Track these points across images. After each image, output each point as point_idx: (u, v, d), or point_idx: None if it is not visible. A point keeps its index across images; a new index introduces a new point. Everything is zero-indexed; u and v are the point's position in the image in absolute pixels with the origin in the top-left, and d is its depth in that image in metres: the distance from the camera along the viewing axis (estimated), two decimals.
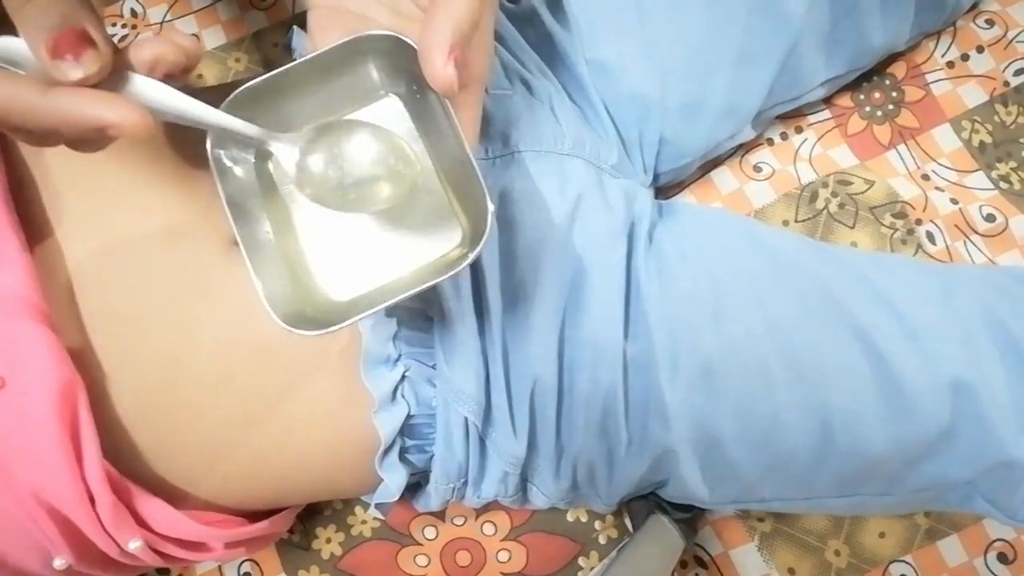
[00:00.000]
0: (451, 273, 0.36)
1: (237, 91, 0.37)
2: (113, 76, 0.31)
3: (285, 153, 0.36)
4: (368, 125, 0.37)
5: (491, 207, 0.35)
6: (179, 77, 0.34)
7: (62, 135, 0.32)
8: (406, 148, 0.37)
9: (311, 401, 0.46)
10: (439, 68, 0.33)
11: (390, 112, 0.40)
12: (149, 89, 0.32)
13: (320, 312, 0.38)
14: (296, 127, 0.39)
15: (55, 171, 0.44)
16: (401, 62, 0.37)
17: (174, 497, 0.45)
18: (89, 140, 0.33)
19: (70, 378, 0.40)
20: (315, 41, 0.39)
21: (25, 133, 0.32)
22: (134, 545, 0.43)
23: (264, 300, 0.35)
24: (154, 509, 0.43)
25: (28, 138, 0.32)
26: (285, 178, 0.39)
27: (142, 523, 0.43)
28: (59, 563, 0.42)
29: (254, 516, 0.51)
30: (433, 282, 0.36)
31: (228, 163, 0.38)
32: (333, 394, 0.46)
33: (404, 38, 0.36)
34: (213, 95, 0.36)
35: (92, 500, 0.41)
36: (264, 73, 0.37)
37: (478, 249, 0.35)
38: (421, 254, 0.39)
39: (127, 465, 0.43)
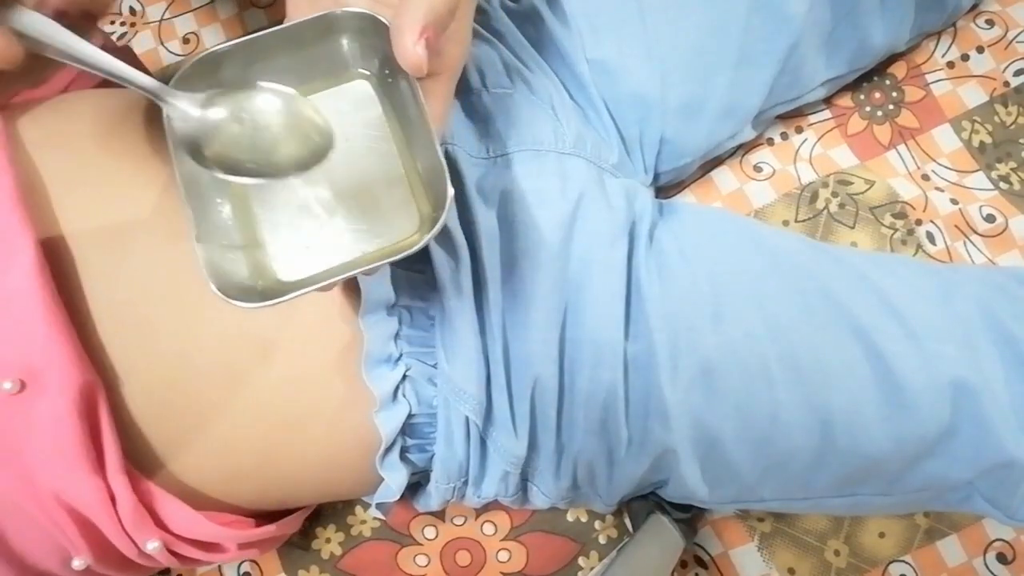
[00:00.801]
0: (398, 257, 0.35)
1: (199, 56, 0.36)
2: None
3: (182, 112, 0.34)
4: (276, 89, 0.36)
5: (450, 192, 0.34)
6: (82, 24, 0.33)
7: None
8: (314, 114, 0.36)
9: (314, 400, 0.46)
10: (409, 47, 0.33)
11: (360, 94, 0.39)
12: (33, 22, 0.31)
13: (269, 288, 0.37)
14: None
15: (62, 169, 0.43)
16: (375, 42, 0.37)
17: (187, 497, 0.45)
18: None
19: (89, 379, 0.40)
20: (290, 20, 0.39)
21: None
22: (152, 546, 0.43)
23: (204, 268, 0.34)
24: (172, 509, 0.44)
25: None
26: (169, 98, 0.37)
27: (160, 524, 0.44)
28: (78, 563, 0.43)
29: (264, 517, 0.51)
30: (376, 264, 0.36)
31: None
32: (335, 393, 0.46)
33: (379, 16, 0.36)
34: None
35: (113, 501, 0.41)
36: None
37: (430, 235, 0.34)
38: (377, 238, 0.38)
39: (142, 465, 0.43)
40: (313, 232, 0.38)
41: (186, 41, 0.73)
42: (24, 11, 0.32)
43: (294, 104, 0.36)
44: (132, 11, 0.74)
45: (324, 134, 0.36)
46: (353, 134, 0.39)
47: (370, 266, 0.36)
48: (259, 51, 0.37)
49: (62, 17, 0.32)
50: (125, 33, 0.73)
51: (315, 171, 0.36)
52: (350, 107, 0.39)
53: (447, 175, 0.34)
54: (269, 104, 0.35)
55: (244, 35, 0.72)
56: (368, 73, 0.39)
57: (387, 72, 0.39)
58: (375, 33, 0.36)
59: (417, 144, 0.38)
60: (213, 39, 0.73)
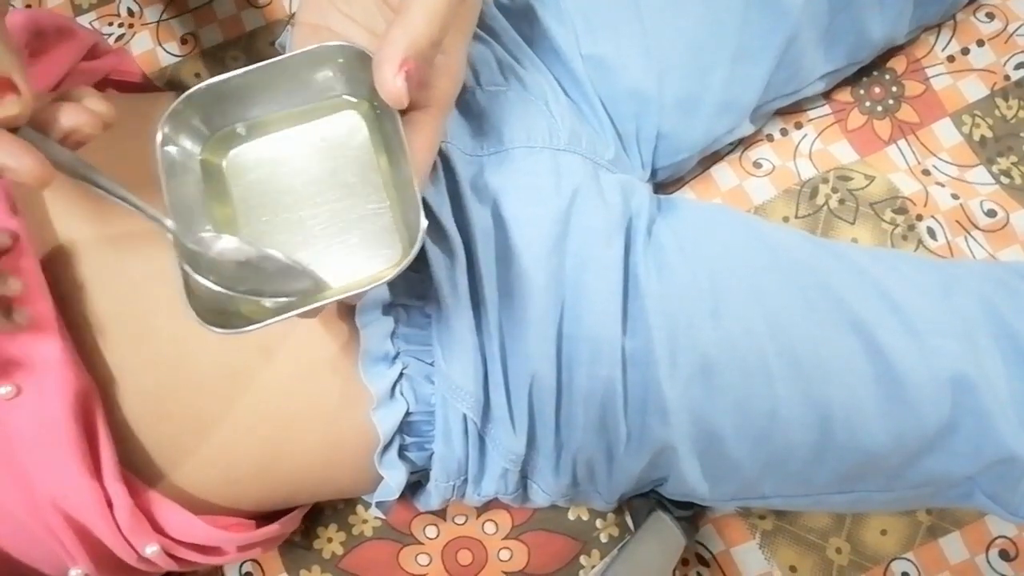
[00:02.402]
0: (372, 286, 0.36)
1: (191, 90, 0.37)
2: (25, 132, 0.32)
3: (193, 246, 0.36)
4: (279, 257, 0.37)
5: (423, 224, 0.35)
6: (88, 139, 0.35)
7: None
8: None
9: (312, 400, 0.46)
10: (388, 79, 0.34)
11: (349, 124, 0.40)
12: (57, 153, 0.33)
13: (250, 314, 0.37)
14: (251, 129, 0.39)
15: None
16: (363, 74, 0.37)
17: (186, 501, 0.45)
18: None
19: (85, 385, 0.40)
20: None
21: None
22: (151, 550, 0.43)
23: (183, 292, 0.35)
24: (170, 514, 0.44)
25: None
26: (236, 178, 0.39)
27: (158, 528, 0.44)
28: (75, 573, 0.43)
29: (263, 517, 0.51)
30: (350, 293, 0.36)
31: (177, 159, 0.38)
32: (333, 392, 0.46)
33: (364, 49, 0.36)
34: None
35: (110, 506, 0.41)
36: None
37: (399, 268, 0.35)
38: (359, 267, 0.38)
39: (141, 470, 0.44)
40: (297, 257, 0.39)
41: (184, 42, 0.73)
42: (49, 142, 0.33)
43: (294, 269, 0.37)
44: (130, 12, 0.74)
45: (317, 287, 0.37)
46: (341, 163, 0.39)
47: (348, 293, 0.36)
48: (251, 84, 0.38)
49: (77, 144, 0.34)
50: (123, 34, 0.73)
51: (302, 201, 0.38)
52: (339, 137, 0.40)
53: (421, 208, 0.35)
54: (269, 262, 0.37)
55: (241, 36, 0.73)
56: (358, 104, 0.40)
57: (375, 104, 0.39)
58: (363, 66, 0.37)
59: (399, 176, 0.38)
60: (212, 39, 0.73)
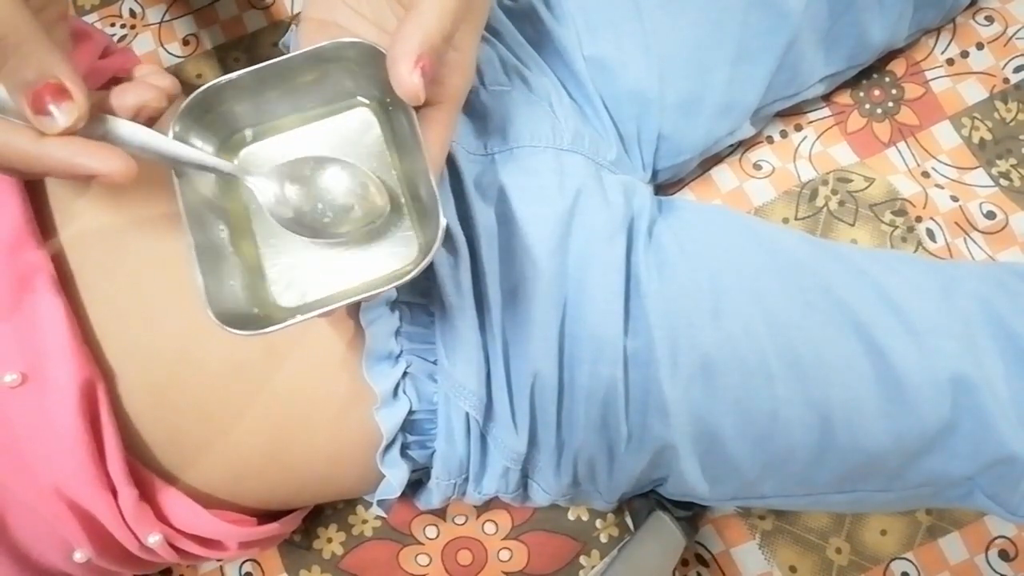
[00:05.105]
0: (391, 285, 0.36)
1: (202, 88, 0.37)
2: (97, 121, 0.33)
3: (261, 187, 0.37)
4: (339, 160, 0.38)
5: (442, 222, 0.35)
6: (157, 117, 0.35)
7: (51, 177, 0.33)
8: (373, 183, 0.38)
9: (316, 397, 0.46)
10: (404, 76, 0.34)
11: (359, 121, 0.40)
12: (131, 132, 0.34)
13: (267, 314, 0.37)
14: (261, 129, 0.39)
15: None
16: (375, 71, 0.37)
17: (191, 495, 0.45)
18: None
19: (90, 374, 0.40)
20: None
21: (18, 174, 0.34)
22: (153, 539, 0.43)
23: (204, 295, 0.34)
24: (175, 504, 0.44)
25: (17, 176, 0.34)
26: (248, 177, 0.39)
27: (162, 518, 0.44)
28: (79, 556, 0.43)
29: (265, 516, 0.51)
30: (372, 293, 0.36)
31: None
32: (336, 390, 0.47)
33: (377, 46, 0.36)
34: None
35: (114, 494, 0.41)
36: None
37: (420, 266, 0.35)
38: (376, 266, 0.38)
39: (146, 460, 0.44)
40: (312, 258, 0.39)
41: (186, 43, 0.74)
42: (120, 122, 0.34)
43: (359, 174, 0.38)
44: (132, 13, 0.74)
45: (383, 198, 0.38)
46: (355, 161, 0.39)
47: (366, 294, 0.36)
48: (261, 82, 0.38)
49: (149, 120, 0.35)
50: (125, 35, 0.73)
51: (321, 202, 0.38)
52: (351, 134, 0.39)
53: (440, 206, 0.35)
54: (337, 175, 0.38)
55: (243, 37, 0.73)
56: (369, 101, 0.40)
57: (388, 100, 0.39)
58: (374, 63, 0.36)
59: (415, 172, 0.38)
60: (214, 40, 0.74)
